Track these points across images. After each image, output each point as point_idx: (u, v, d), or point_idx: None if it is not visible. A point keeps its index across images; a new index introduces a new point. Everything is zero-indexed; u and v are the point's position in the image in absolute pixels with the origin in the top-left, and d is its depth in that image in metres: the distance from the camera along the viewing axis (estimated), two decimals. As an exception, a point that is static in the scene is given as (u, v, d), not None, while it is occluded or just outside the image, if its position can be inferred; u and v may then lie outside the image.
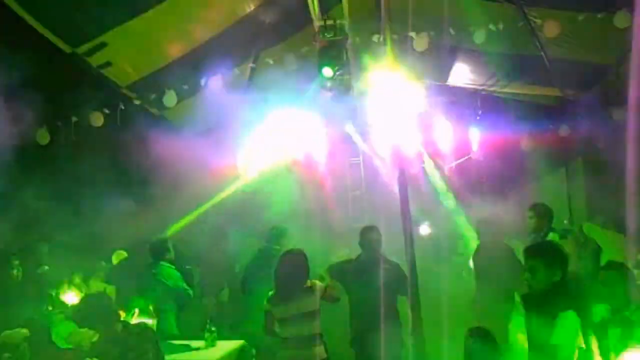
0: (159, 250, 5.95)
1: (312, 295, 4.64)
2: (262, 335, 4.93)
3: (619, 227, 6.39)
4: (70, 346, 3.69)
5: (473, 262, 6.30)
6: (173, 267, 5.92)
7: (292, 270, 4.64)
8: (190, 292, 5.89)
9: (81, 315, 3.87)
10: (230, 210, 7.22)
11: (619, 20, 5.58)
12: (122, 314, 4.72)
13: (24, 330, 3.72)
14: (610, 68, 6.61)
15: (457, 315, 5.13)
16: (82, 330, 3.72)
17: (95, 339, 3.57)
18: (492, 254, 5.85)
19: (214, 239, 7.17)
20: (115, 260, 6.84)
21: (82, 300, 4.50)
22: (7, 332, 3.71)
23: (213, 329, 5.29)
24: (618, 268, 3.92)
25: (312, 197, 7.95)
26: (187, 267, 6.51)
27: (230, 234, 7.21)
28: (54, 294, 5.61)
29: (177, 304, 5.86)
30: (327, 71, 6.27)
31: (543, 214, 5.65)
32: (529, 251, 3.76)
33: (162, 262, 5.87)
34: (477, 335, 4.02)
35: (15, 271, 5.26)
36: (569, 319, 3.45)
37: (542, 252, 3.74)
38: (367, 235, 5.40)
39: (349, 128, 8.76)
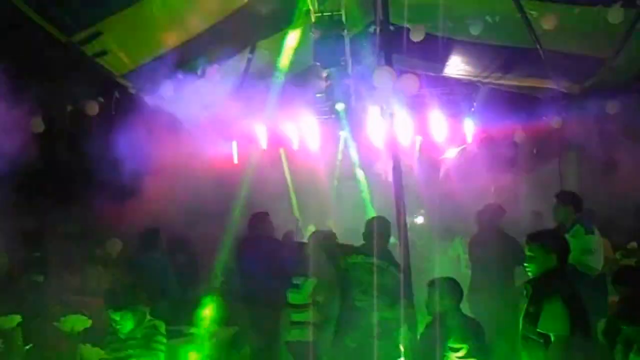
0: (149, 241, 5.97)
1: None
2: None
3: (611, 217, 6.45)
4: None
5: (469, 251, 6.34)
6: (162, 257, 5.93)
7: None
8: (176, 284, 5.90)
9: None
10: (224, 198, 7.21)
11: (613, 15, 5.57)
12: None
13: (17, 317, 3.75)
14: (605, 61, 6.63)
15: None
16: (75, 316, 3.75)
17: (88, 324, 3.60)
18: (488, 243, 5.89)
19: (206, 227, 7.18)
20: (110, 249, 6.84)
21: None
22: (1, 317, 3.73)
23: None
24: None
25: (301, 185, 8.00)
26: (180, 255, 6.53)
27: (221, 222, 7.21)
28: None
29: (167, 294, 5.88)
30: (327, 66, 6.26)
31: (569, 202, 5.29)
32: (529, 238, 3.79)
33: (151, 253, 5.88)
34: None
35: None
36: (554, 305, 3.44)
37: (541, 238, 3.76)
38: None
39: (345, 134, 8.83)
